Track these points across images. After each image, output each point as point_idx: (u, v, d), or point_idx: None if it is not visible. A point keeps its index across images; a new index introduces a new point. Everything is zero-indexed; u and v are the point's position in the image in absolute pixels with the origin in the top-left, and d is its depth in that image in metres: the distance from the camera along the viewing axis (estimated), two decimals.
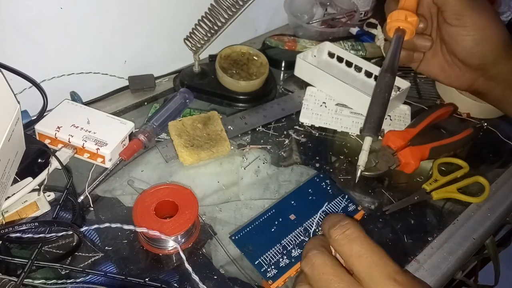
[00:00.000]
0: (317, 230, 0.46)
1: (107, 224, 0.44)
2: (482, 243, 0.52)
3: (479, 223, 0.51)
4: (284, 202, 0.49)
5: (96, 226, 0.44)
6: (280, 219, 0.47)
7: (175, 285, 0.42)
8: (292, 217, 0.47)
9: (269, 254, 0.44)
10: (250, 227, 0.46)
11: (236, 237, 0.46)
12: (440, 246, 0.48)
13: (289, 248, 0.45)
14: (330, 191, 0.50)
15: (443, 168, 0.55)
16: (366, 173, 0.53)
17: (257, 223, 0.47)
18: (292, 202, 0.49)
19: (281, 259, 0.44)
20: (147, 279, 0.42)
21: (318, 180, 0.51)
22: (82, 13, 0.55)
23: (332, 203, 0.49)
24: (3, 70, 0.49)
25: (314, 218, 0.47)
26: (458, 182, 0.53)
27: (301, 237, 0.46)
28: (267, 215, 0.47)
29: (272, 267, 0.43)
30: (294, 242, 0.45)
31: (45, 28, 0.53)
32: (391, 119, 0.61)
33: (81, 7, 0.54)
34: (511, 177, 0.57)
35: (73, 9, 0.53)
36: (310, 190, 0.50)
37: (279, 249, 0.44)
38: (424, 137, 0.55)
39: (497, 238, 0.78)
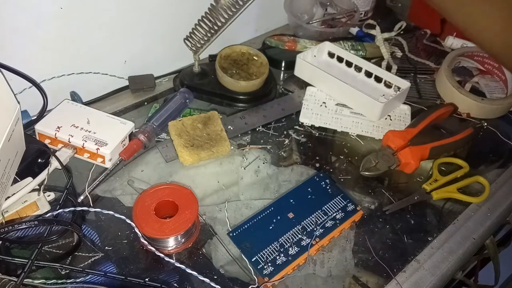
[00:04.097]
0: (315, 229, 0.46)
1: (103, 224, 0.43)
2: (482, 243, 0.52)
3: (479, 223, 0.51)
4: (283, 201, 0.49)
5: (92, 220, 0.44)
6: (279, 217, 0.47)
7: (175, 285, 0.42)
8: (291, 215, 0.47)
9: (266, 252, 0.44)
10: (248, 225, 0.46)
11: (234, 234, 0.46)
12: (440, 246, 0.48)
13: (286, 246, 0.45)
14: (329, 190, 0.50)
15: (443, 168, 0.55)
16: (366, 173, 0.53)
17: (255, 220, 0.47)
18: (291, 200, 0.49)
19: (278, 257, 0.44)
20: (147, 279, 0.42)
21: (317, 179, 0.51)
22: (82, 13, 0.55)
23: (331, 202, 0.49)
24: (3, 70, 0.49)
25: (313, 217, 0.47)
26: (458, 182, 0.53)
27: (299, 235, 0.46)
28: (266, 212, 0.48)
29: (269, 264, 0.43)
30: (291, 240, 0.45)
31: (45, 28, 0.53)
32: (391, 119, 0.61)
33: (81, 7, 0.54)
34: (511, 177, 0.57)
35: (73, 9, 0.53)
36: (309, 189, 0.50)
37: (277, 246, 0.45)
38: (424, 137, 0.55)
39: (497, 238, 0.77)
